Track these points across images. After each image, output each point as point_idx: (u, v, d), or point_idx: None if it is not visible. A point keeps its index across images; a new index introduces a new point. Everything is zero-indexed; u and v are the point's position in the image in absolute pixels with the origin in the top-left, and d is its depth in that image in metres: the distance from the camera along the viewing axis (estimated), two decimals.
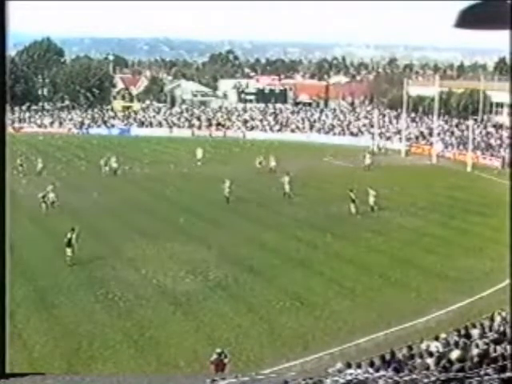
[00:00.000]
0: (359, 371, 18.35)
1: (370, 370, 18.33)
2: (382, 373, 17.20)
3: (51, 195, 48.43)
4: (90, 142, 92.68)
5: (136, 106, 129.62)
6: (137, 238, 40.42)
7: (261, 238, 40.72)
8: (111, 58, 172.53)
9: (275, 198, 53.13)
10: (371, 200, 47.64)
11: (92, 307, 28.88)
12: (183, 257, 36.60)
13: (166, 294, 30.65)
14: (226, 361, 21.54)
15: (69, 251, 34.52)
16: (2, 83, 5.44)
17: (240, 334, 25.91)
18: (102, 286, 31.43)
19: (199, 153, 73.98)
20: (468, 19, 5.00)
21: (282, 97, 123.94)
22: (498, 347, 18.83)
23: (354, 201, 47.18)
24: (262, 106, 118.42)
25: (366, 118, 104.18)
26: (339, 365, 19.30)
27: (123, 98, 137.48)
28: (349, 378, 7.00)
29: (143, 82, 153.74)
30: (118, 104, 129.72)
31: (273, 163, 65.95)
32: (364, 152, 73.56)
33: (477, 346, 19.28)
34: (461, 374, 8.86)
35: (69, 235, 34.85)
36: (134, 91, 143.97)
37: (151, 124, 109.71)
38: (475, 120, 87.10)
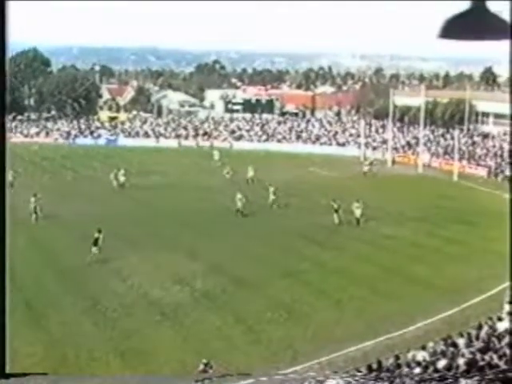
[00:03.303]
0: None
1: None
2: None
3: (32, 206, 48.27)
4: (76, 152, 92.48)
5: (122, 116, 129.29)
6: (123, 247, 40.30)
7: (248, 249, 40.74)
8: (98, 68, 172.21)
9: (260, 207, 53.12)
10: (357, 212, 47.34)
11: (78, 318, 28.76)
12: (170, 267, 36.53)
13: (153, 305, 30.57)
14: (211, 372, 21.47)
15: (94, 249, 37.54)
16: (2, 86, 5.45)
17: (228, 345, 25.87)
18: (89, 297, 31.33)
19: (216, 155, 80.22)
20: (452, 30, 5.03)
21: (268, 107, 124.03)
22: (485, 356, 18.88)
23: (337, 211, 47.11)
24: (248, 116, 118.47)
25: (352, 127, 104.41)
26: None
27: (110, 108, 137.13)
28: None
29: (130, 93, 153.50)
30: (104, 114, 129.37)
31: (251, 173, 65.78)
32: (361, 160, 74.26)
33: (463, 355, 19.33)
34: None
35: (96, 235, 37.90)
36: (121, 101, 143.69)
37: (138, 134, 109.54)
38: (461, 130, 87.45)
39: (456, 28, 5.02)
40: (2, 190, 5.76)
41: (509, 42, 5.26)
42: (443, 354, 20.16)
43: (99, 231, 38.26)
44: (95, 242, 37.99)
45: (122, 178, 63.48)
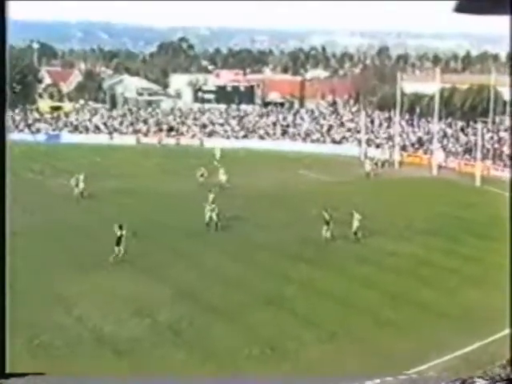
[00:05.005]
0: None
1: None
2: None
3: None
4: (10, 151, 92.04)
5: (67, 106, 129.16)
6: (68, 268, 40.18)
7: (222, 270, 40.76)
8: (36, 46, 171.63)
9: (235, 219, 53.10)
10: (355, 225, 47.47)
11: (14, 355, 28.60)
12: (126, 293, 36.46)
13: (106, 341, 30.48)
14: None
15: (117, 249, 41.47)
16: (2, 86, 5.67)
17: None
18: (26, 330, 31.20)
19: (217, 152, 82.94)
20: (470, 3, 5.14)
21: (247, 96, 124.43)
22: None
23: (328, 223, 47.21)
24: (223, 106, 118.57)
25: (350, 121, 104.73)
26: None
27: (51, 96, 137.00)
28: None
29: (76, 77, 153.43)
30: (44, 104, 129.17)
31: (222, 177, 65.95)
32: (361, 161, 74.47)
33: None
34: None
35: (118, 233, 41.54)
36: (65, 88, 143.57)
37: (86, 129, 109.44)
38: (484, 123, 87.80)
39: (474, 1, 5.11)
40: (2, 191, 6.26)
41: None
42: None
43: (120, 227, 41.50)
44: (118, 242, 41.35)
45: (81, 185, 62.77)
